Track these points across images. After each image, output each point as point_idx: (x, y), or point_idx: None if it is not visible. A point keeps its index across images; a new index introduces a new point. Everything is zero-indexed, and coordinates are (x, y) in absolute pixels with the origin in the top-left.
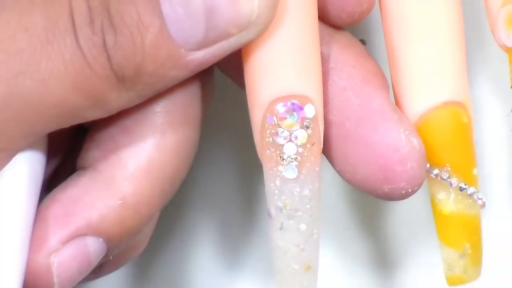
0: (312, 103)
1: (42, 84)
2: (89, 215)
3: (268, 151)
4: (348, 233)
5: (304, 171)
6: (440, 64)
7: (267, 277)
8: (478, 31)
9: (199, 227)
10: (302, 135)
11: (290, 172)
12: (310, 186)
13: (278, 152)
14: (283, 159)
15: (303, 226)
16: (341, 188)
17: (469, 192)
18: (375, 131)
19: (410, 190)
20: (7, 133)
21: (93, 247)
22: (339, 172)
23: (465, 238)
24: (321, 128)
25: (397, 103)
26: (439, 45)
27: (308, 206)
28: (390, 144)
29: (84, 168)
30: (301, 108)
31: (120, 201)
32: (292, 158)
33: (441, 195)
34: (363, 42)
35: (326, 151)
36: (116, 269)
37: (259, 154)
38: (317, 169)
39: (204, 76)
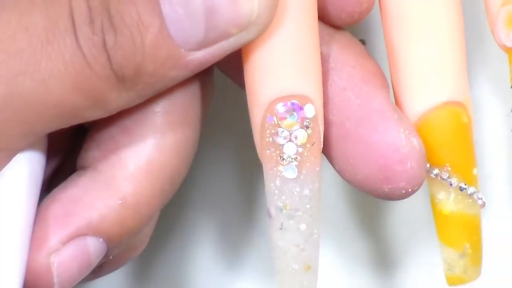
0: (312, 103)
1: (42, 84)
2: (89, 215)
3: (268, 151)
4: (348, 233)
5: (304, 171)
6: (440, 64)
7: (267, 277)
8: (478, 31)
9: (199, 227)
10: (302, 135)
11: (290, 172)
12: (310, 186)
13: (278, 152)
14: (283, 159)
15: (303, 226)
16: (341, 188)
17: (469, 192)
18: (375, 131)
19: (410, 190)
20: (7, 133)
21: (93, 247)
22: (339, 172)
23: (465, 238)
24: (321, 128)
25: (397, 103)
26: (439, 45)
27: (308, 206)
28: (390, 144)
29: (84, 168)
30: (301, 108)
31: (120, 201)
32: (292, 158)
33: (441, 195)
34: (363, 42)
35: (326, 151)
36: (116, 269)
37: (259, 154)
38: (317, 169)
39: (203, 76)
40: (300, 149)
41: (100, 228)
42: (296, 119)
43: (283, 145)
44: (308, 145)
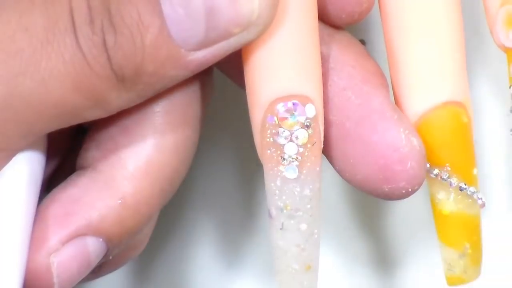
0: (313, 103)
1: (42, 84)
2: (89, 215)
3: (269, 151)
4: (348, 233)
5: (304, 171)
6: (440, 64)
7: (267, 276)
8: (478, 31)
9: (198, 227)
10: (303, 135)
11: (290, 172)
12: (311, 186)
13: (279, 152)
14: (284, 159)
15: (303, 226)
16: (341, 188)
17: (469, 192)
18: (375, 131)
19: (410, 190)
20: (7, 133)
21: (93, 247)
22: (339, 172)
23: (465, 238)
24: (322, 128)
25: (397, 103)
26: (439, 45)
27: (309, 206)
28: (390, 144)
29: (83, 168)
30: (302, 108)
31: (120, 201)
32: (293, 158)
33: (441, 195)
34: (363, 42)
35: (326, 151)
36: (116, 269)
37: (259, 154)
38: (318, 169)
39: (203, 76)
40: (301, 149)
41: (100, 228)
42: (297, 119)
43: (284, 145)
44: (308, 145)
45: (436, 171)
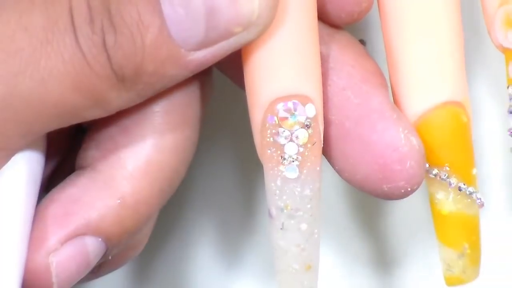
0: (313, 103)
1: (42, 83)
2: (88, 214)
3: (269, 151)
4: (347, 233)
5: (305, 171)
6: (439, 64)
7: (266, 276)
8: (477, 31)
9: (198, 227)
10: (303, 135)
11: (291, 172)
12: (311, 186)
13: (279, 152)
14: (284, 159)
15: (304, 226)
16: (340, 188)
17: (468, 192)
18: (374, 130)
19: (409, 189)
20: (6, 132)
21: (92, 246)
22: (339, 171)
23: (464, 238)
24: (321, 128)
25: (396, 103)
26: (438, 45)
27: (309, 206)
28: (389, 143)
29: (83, 167)
30: (302, 108)
31: (119, 201)
32: (293, 158)
33: (440, 195)
34: (362, 42)
35: (326, 150)
36: (115, 269)
37: (259, 154)
38: (318, 168)
39: (203, 77)
40: (301, 149)
41: (99, 228)
42: (297, 119)
43: (284, 145)
44: (309, 145)
45: (435, 171)
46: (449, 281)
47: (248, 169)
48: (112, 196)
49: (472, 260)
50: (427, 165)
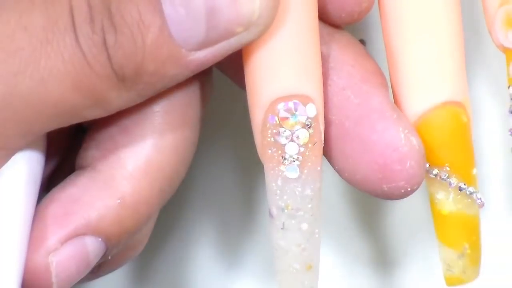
0: (313, 103)
1: (41, 83)
2: (88, 214)
3: (270, 151)
4: (348, 232)
5: (305, 171)
6: (439, 64)
7: (267, 276)
8: (477, 31)
9: (198, 227)
10: (303, 135)
11: (292, 172)
12: (312, 186)
13: (280, 152)
14: (285, 159)
15: (304, 226)
16: (340, 188)
17: (468, 192)
18: (374, 130)
19: (409, 189)
20: (6, 132)
21: (92, 246)
22: (339, 171)
23: (464, 238)
24: (322, 128)
25: (396, 103)
26: (438, 45)
27: (310, 205)
28: (389, 143)
29: (83, 167)
30: (303, 108)
31: (119, 201)
32: (294, 158)
33: (440, 195)
34: (362, 42)
35: (326, 150)
36: (115, 269)
37: (260, 154)
38: (318, 168)
39: (203, 77)
40: (302, 149)
41: (99, 228)
42: (298, 119)
43: (285, 145)
44: (309, 145)
45: (435, 171)
46: (449, 281)
47: (248, 169)
48: (112, 196)
49: (472, 260)
50: (427, 165)
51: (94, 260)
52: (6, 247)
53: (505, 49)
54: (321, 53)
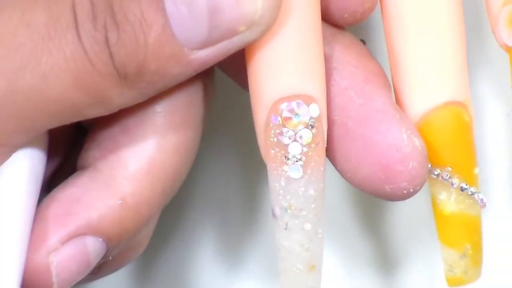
0: (316, 103)
1: (43, 80)
2: (88, 214)
3: (273, 151)
4: (349, 233)
5: (309, 171)
6: (441, 64)
7: (269, 277)
8: (479, 31)
9: (200, 227)
10: (307, 135)
11: (295, 172)
12: (315, 186)
13: (283, 152)
14: (288, 159)
15: (308, 226)
16: (342, 189)
17: (470, 192)
18: (376, 131)
19: (411, 190)
20: (7, 128)
21: (93, 247)
22: (341, 172)
23: (465, 238)
24: (325, 128)
25: (398, 103)
26: (440, 45)
27: (313, 205)
28: (391, 144)
29: (84, 167)
30: (306, 108)
31: (120, 201)
32: (297, 158)
33: (442, 196)
34: (362, 42)
35: (328, 151)
36: (115, 270)
37: (262, 154)
38: (322, 168)
39: (205, 77)
40: (305, 149)
41: (100, 228)
42: (301, 119)
43: (288, 145)
44: (312, 145)
45: (437, 171)
46: (450, 281)
47: (250, 169)
48: (113, 196)
49: (474, 261)
50: (429, 166)
51: (94, 260)
52: (7, 246)
53: (508, 49)
54: (324, 53)
